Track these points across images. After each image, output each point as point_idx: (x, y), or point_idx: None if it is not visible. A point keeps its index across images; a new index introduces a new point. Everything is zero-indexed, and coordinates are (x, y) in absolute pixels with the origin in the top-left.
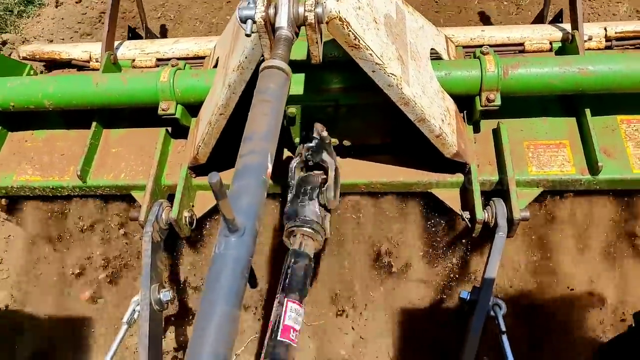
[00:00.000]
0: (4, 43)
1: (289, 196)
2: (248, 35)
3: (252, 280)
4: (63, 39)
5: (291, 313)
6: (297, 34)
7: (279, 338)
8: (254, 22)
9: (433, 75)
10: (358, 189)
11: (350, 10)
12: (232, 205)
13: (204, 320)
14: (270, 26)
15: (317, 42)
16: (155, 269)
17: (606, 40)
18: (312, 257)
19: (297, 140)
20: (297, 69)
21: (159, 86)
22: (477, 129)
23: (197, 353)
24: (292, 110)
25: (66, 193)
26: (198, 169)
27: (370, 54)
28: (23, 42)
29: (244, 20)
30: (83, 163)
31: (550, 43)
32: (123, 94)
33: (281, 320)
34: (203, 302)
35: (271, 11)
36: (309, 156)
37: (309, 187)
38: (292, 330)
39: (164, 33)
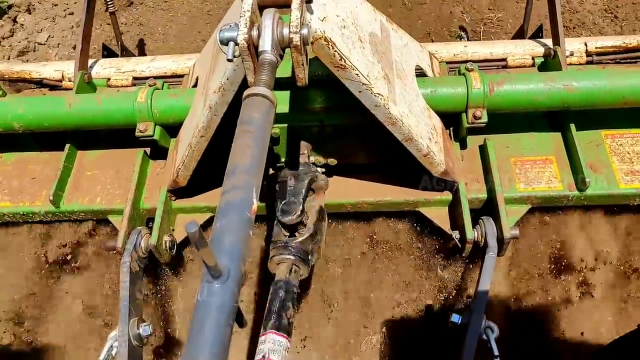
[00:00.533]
0: None
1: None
2: (230, 60)
3: (240, 320)
4: None
5: (274, 346)
6: (281, 57)
7: None
8: (236, 44)
9: (419, 93)
10: (344, 209)
11: (336, 29)
12: (214, 247)
13: None
14: (253, 49)
15: (302, 65)
16: (134, 301)
17: (587, 55)
18: (297, 287)
19: (283, 159)
20: (280, 87)
21: (136, 107)
22: (463, 146)
23: None
24: (276, 130)
25: (38, 219)
26: (178, 192)
27: (357, 74)
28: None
29: (225, 43)
30: (56, 187)
31: (533, 58)
32: (98, 115)
33: (266, 356)
34: (185, 355)
35: (254, 33)
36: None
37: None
38: None
39: (141, 49)
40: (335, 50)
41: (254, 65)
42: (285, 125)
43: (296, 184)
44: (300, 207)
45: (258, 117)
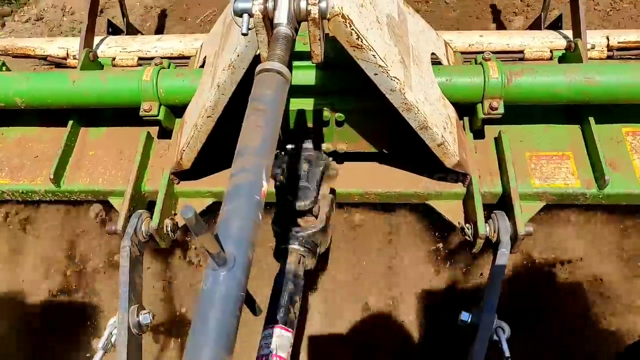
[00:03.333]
0: None
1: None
2: (245, 34)
3: (253, 307)
4: None
5: (278, 339)
6: (296, 31)
7: None
8: (251, 16)
9: (434, 80)
10: (351, 199)
11: (354, 7)
12: (220, 233)
13: None
14: (268, 21)
15: (319, 40)
16: (134, 287)
17: (608, 50)
18: (303, 278)
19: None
20: (295, 69)
21: (141, 86)
22: (477, 138)
23: None
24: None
25: (37, 198)
26: (182, 174)
27: (374, 55)
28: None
29: (239, 14)
30: (57, 166)
31: (551, 51)
32: (102, 94)
33: (270, 350)
34: (189, 347)
35: (270, 4)
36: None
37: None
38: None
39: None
40: (353, 29)
41: (268, 38)
42: (295, 109)
43: (310, 169)
44: (315, 194)
45: (271, 95)
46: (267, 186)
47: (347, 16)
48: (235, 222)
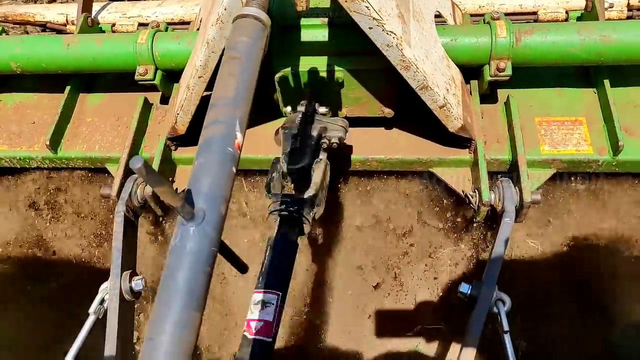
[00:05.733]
0: None
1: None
2: None
3: (238, 265)
4: None
5: (268, 305)
6: None
7: (253, 333)
8: None
9: (438, 40)
10: (352, 166)
11: None
12: (192, 187)
13: (156, 324)
14: None
15: None
16: (127, 253)
17: (628, 10)
18: (296, 242)
19: (285, 109)
20: (288, 30)
21: (137, 49)
22: (484, 102)
23: None
24: (280, 76)
25: (35, 165)
26: (178, 140)
27: (367, 7)
28: None
29: None
30: (53, 132)
31: (567, 12)
32: (97, 57)
33: (257, 313)
34: (157, 304)
35: None
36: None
37: (296, 167)
38: (268, 323)
39: None
40: None
41: None
42: (291, 69)
43: (305, 131)
44: (308, 157)
45: (247, 42)
46: (243, 138)
47: None
48: (206, 177)
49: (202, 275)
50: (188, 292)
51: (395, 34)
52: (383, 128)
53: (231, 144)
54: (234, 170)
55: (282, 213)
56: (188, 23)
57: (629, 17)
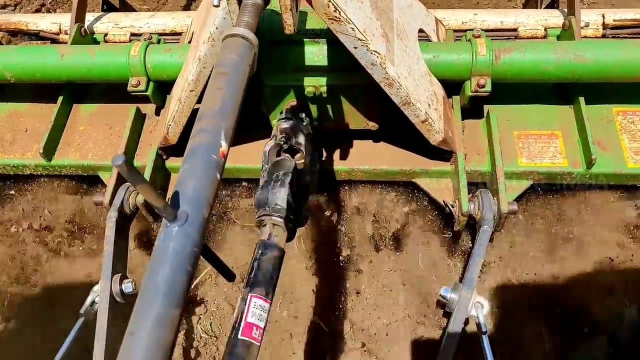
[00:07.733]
0: None
1: (261, 181)
2: (216, 6)
3: (225, 272)
4: None
5: (255, 309)
6: (267, 1)
7: (239, 337)
8: None
9: (420, 57)
10: (338, 176)
11: None
12: (177, 190)
13: (137, 322)
14: None
15: (291, 10)
16: (118, 257)
17: (603, 29)
18: (282, 248)
19: (274, 122)
20: (277, 45)
21: (130, 61)
22: (465, 117)
23: None
24: (269, 90)
25: (28, 172)
26: (170, 150)
27: (352, 28)
28: None
29: None
30: (47, 140)
31: (545, 29)
32: (91, 68)
33: (243, 317)
34: (139, 300)
35: None
36: (282, 138)
37: (281, 173)
38: (255, 328)
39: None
40: (330, 1)
41: (238, 8)
42: (279, 84)
43: (292, 135)
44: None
45: (234, 59)
46: (228, 147)
47: None
48: (191, 181)
49: (183, 274)
50: (169, 291)
51: (379, 53)
52: (369, 140)
53: (216, 151)
54: (218, 176)
55: (265, 217)
56: (179, 34)
57: (604, 36)
